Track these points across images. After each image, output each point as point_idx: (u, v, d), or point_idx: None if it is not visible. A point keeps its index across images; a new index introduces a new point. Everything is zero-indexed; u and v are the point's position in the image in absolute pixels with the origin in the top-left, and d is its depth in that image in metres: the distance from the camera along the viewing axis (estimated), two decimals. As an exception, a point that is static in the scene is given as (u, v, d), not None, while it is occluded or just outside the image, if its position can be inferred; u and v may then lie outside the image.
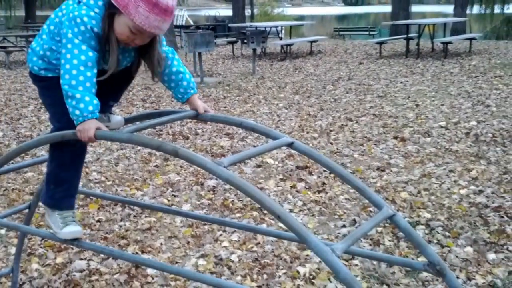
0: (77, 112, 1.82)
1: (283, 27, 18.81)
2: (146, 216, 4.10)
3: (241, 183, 1.54)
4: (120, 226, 3.96)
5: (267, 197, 1.55)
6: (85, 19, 1.80)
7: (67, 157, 2.08)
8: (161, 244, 3.67)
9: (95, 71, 1.85)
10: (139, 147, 5.72)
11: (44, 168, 5.22)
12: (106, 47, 1.89)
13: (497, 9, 23.25)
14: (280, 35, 18.56)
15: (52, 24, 1.95)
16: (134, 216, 4.12)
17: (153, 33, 1.86)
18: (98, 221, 4.05)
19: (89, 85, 1.82)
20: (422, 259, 3.18)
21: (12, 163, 2.71)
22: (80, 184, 4.99)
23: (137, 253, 3.53)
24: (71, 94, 1.81)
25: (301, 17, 41.73)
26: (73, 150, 2.07)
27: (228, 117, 2.06)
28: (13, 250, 3.55)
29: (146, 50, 1.97)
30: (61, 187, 2.11)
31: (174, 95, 2.14)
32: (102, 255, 3.47)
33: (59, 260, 3.46)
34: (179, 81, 2.09)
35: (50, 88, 2.01)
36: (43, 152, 5.59)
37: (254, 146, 5.88)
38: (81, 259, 3.46)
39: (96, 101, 1.84)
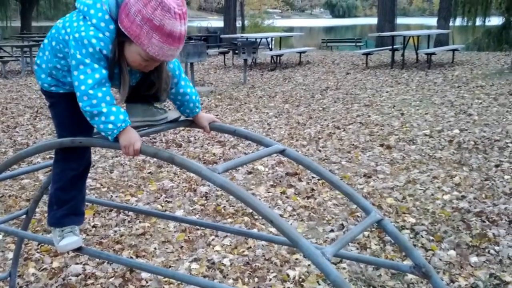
0: (110, 126, 1.76)
1: (273, 38, 18.88)
2: (140, 222, 4.10)
3: (235, 189, 1.56)
4: (115, 231, 3.95)
5: (260, 202, 1.57)
6: (93, 41, 1.73)
7: (68, 180, 2.04)
8: (155, 248, 3.67)
9: (108, 85, 1.80)
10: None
11: (40, 174, 5.21)
12: (114, 70, 1.83)
13: (478, 22, 23.46)
14: (270, 46, 18.63)
15: (54, 40, 1.88)
16: (129, 221, 4.12)
17: (166, 60, 1.82)
18: (94, 226, 4.04)
19: (109, 99, 1.78)
20: (407, 262, 3.21)
21: (9, 170, 2.70)
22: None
23: (131, 257, 3.53)
24: (96, 112, 1.76)
25: (290, 29, 41.90)
26: (74, 173, 2.04)
27: (222, 125, 2.08)
28: (9, 255, 3.54)
29: (154, 70, 1.91)
30: (62, 208, 2.08)
31: (180, 111, 2.09)
32: (97, 260, 3.46)
33: (55, 264, 3.45)
34: (185, 102, 2.04)
35: (60, 103, 1.98)
36: (39, 159, 5.57)
37: (245, 153, 5.90)
38: (77, 263, 3.46)
39: (123, 109, 1.81)
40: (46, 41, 1.95)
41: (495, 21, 23.47)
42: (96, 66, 1.75)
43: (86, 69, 1.75)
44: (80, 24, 1.76)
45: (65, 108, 1.93)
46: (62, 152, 2.03)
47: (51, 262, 3.48)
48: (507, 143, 6.08)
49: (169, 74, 1.95)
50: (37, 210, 4.15)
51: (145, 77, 1.95)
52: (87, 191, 4.85)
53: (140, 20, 1.69)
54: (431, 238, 3.72)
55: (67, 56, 1.82)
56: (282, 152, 1.91)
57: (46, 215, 4.20)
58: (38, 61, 1.98)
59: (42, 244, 3.68)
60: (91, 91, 1.75)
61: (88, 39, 1.73)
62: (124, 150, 1.77)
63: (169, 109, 2.14)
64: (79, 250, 2.11)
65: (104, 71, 1.76)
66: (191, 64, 10.66)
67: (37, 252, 3.63)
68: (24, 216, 2.81)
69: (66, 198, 2.06)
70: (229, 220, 4.13)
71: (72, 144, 1.94)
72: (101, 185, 4.99)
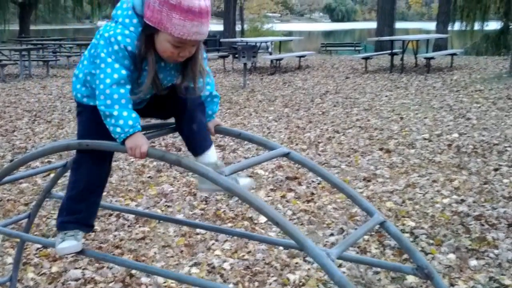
0: (118, 129, 1.78)
1: (272, 42, 18.95)
2: (140, 226, 4.10)
3: (242, 192, 1.57)
4: (115, 235, 3.96)
5: (266, 204, 1.58)
6: (119, 37, 1.76)
7: (80, 191, 2.03)
8: (155, 253, 3.67)
9: (128, 87, 1.80)
10: (132, 159, 5.72)
11: (38, 179, 5.21)
12: (142, 66, 1.83)
13: (477, 26, 23.58)
14: (269, 50, 18.69)
15: (92, 47, 1.90)
16: (129, 226, 4.12)
17: (195, 40, 1.77)
18: (93, 231, 4.03)
19: (124, 102, 1.78)
20: (407, 265, 3.22)
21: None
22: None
23: (131, 261, 3.53)
24: (108, 113, 1.78)
25: (289, 33, 41.98)
26: (88, 186, 2.03)
27: (227, 128, 2.10)
28: (8, 259, 3.54)
29: (187, 63, 1.89)
30: (70, 216, 2.07)
31: None
32: (97, 264, 3.47)
33: (54, 269, 3.45)
34: (211, 104, 2.07)
35: (87, 113, 1.97)
36: (37, 164, 5.57)
37: (245, 157, 5.91)
38: (76, 268, 3.46)
39: (134, 114, 1.80)
40: (86, 52, 1.96)
41: (493, 25, 23.58)
42: (116, 66, 1.76)
43: (106, 68, 1.77)
44: (112, 26, 1.82)
45: (91, 120, 1.91)
46: (80, 161, 2.02)
47: (50, 267, 3.48)
48: (505, 147, 6.10)
49: (205, 69, 1.94)
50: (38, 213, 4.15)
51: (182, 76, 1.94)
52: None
53: (158, 4, 1.70)
54: (431, 241, 3.73)
55: None
56: (286, 155, 1.93)
57: (44, 219, 4.23)
58: (76, 72, 1.99)
59: (41, 249, 3.69)
60: (108, 91, 1.77)
61: (114, 37, 1.76)
62: (130, 151, 1.78)
63: (239, 176, 2.09)
64: (81, 253, 2.10)
65: (124, 72, 1.77)
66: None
67: (36, 256, 3.64)
68: (24, 220, 2.81)
69: (76, 208, 2.05)
70: (229, 224, 4.14)
71: (79, 147, 1.95)
72: (101, 189, 4.99)
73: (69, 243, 2.04)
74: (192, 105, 1.99)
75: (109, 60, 1.76)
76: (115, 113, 1.77)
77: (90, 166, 2.01)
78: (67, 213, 2.06)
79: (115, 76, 1.76)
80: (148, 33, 1.77)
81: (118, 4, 1.84)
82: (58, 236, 2.09)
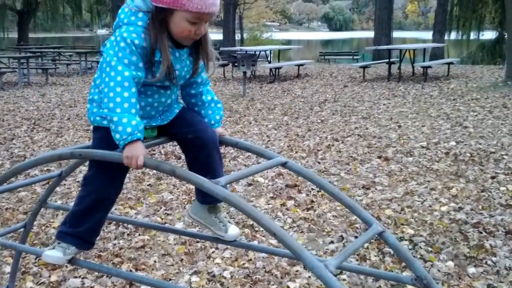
0: (117, 136, 1.73)
1: (271, 51, 18.96)
2: (139, 234, 4.08)
3: (238, 201, 1.56)
4: (114, 244, 3.93)
5: (263, 215, 1.57)
6: (125, 34, 1.74)
7: (86, 207, 1.98)
8: (155, 261, 3.65)
9: (133, 90, 1.75)
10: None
11: (37, 187, 5.19)
12: (154, 58, 1.79)
13: (473, 36, 23.72)
14: (269, 59, 18.71)
15: (101, 62, 1.85)
16: (128, 234, 4.10)
17: (212, 12, 1.76)
18: (93, 239, 4.01)
19: (127, 106, 1.72)
20: (406, 273, 3.21)
21: (6, 182, 2.70)
22: (73, 203, 4.94)
23: (131, 270, 3.51)
24: (109, 117, 1.73)
25: (288, 42, 42.16)
26: (94, 204, 1.96)
27: (225, 138, 2.09)
28: (7, 269, 3.51)
29: (199, 45, 1.89)
30: (72, 229, 2.02)
31: (207, 120, 2.07)
32: (96, 273, 3.44)
33: (53, 278, 3.42)
34: (216, 110, 2.08)
35: (104, 132, 1.88)
36: (36, 172, 5.56)
37: (245, 165, 5.90)
38: (76, 277, 3.43)
39: (135, 121, 1.73)
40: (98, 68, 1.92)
41: (489, 35, 23.72)
42: (120, 68, 1.73)
43: (110, 71, 1.74)
44: (117, 31, 1.81)
45: (107, 136, 1.82)
46: (90, 178, 1.97)
47: (49, 276, 3.45)
48: (502, 155, 6.11)
49: (214, 50, 1.95)
50: (34, 223, 4.13)
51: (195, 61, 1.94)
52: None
53: None
54: (430, 249, 3.72)
55: None
56: (284, 164, 1.92)
57: (44, 228, 4.20)
58: (90, 96, 1.94)
59: (40, 258, 3.65)
60: (111, 94, 1.73)
61: (120, 35, 1.75)
62: (126, 160, 1.73)
63: (230, 223, 2.14)
64: (76, 264, 2.11)
65: (127, 73, 1.74)
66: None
67: (35, 266, 3.61)
68: (22, 230, 2.79)
69: (78, 223, 2.00)
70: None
71: (71, 157, 1.93)
72: (100, 197, 4.97)
73: (55, 253, 2.01)
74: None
75: (113, 62, 1.74)
76: (115, 118, 1.72)
77: (99, 184, 1.94)
78: (69, 226, 2.03)
79: (118, 78, 1.72)
80: (160, 18, 1.74)
81: (119, 11, 1.84)
82: (53, 243, 2.08)
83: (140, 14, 1.77)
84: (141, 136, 1.75)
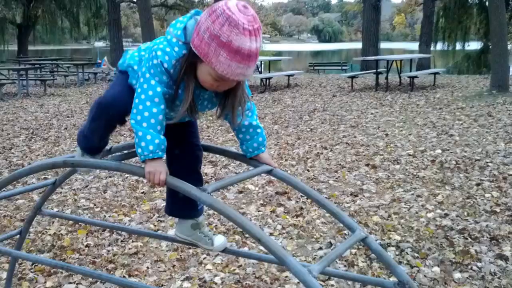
0: (139, 150, 1.72)
1: (262, 62, 19.00)
2: (133, 241, 4.06)
3: (224, 208, 1.56)
4: (108, 250, 3.91)
5: (248, 221, 1.57)
6: (159, 53, 1.70)
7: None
8: (148, 267, 3.63)
9: (162, 107, 1.71)
10: (127, 175, 5.68)
11: (34, 195, 5.15)
12: (179, 87, 1.75)
13: (458, 46, 23.92)
14: (259, 69, 18.74)
15: (146, 52, 1.83)
16: (122, 241, 4.08)
17: (237, 80, 1.71)
18: (87, 246, 3.99)
19: (153, 122, 1.70)
20: (393, 278, 3.20)
21: (4, 190, 2.68)
22: (69, 210, 4.94)
23: (124, 276, 3.49)
24: (135, 130, 1.71)
25: (279, 53, 42.27)
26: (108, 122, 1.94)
27: (212, 146, 2.09)
28: (3, 274, 3.48)
29: (228, 92, 1.80)
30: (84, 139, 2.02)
31: (244, 147, 1.99)
32: (90, 279, 3.42)
33: (49, 284, 3.40)
34: (255, 136, 1.95)
35: (124, 76, 1.91)
36: (33, 180, 5.53)
37: (236, 173, 5.89)
38: (70, 282, 3.41)
39: (158, 140, 1.70)
40: (147, 46, 1.90)
41: (474, 45, 23.90)
42: (152, 82, 1.70)
43: (143, 83, 1.71)
44: (161, 40, 1.76)
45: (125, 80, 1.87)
46: (94, 119, 1.96)
47: (45, 282, 3.43)
48: (487, 162, 6.14)
49: (244, 101, 1.85)
50: (31, 230, 4.10)
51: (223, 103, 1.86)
52: (80, 211, 4.82)
53: (208, 37, 1.60)
54: (416, 255, 3.72)
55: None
56: (269, 172, 1.92)
57: (40, 235, 4.17)
58: (130, 60, 1.92)
59: (36, 264, 3.63)
60: (140, 106, 1.70)
61: (155, 51, 1.71)
62: (148, 176, 1.71)
63: (215, 234, 2.14)
64: (70, 270, 2.08)
65: (159, 89, 1.70)
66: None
67: (31, 271, 3.58)
68: (18, 236, 2.77)
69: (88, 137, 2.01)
70: (220, 238, 4.10)
71: (64, 165, 1.93)
72: (95, 205, 4.95)
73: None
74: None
75: (147, 75, 1.71)
76: (140, 133, 1.70)
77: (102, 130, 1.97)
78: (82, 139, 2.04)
79: (150, 93, 1.69)
80: (191, 60, 1.69)
81: (174, 21, 1.77)
82: (80, 152, 2.06)
83: (181, 42, 1.70)
84: (162, 154, 1.73)
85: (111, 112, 1.87)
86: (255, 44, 1.60)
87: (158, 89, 1.70)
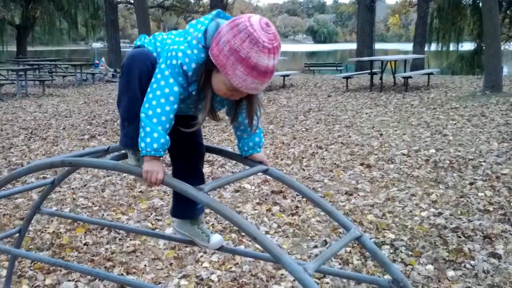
0: (142, 144, 1.70)
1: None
2: (131, 239, 4.05)
3: (220, 207, 1.56)
4: (106, 249, 3.91)
5: (244, 219, 1.57)
6: (180, 54, 1.68)
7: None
8: (145, 265, 3.63)
9: (175, 106, 1.71)
10: (125, 174, 5.68)
11: (33, 194, 5.14)
12: (200, 96, 1.76)
13: (452, 47, 23.96)
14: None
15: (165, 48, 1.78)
16: (120, 239, 4.07)
17: (249, 93, 1.72)
18: (85, 244, 3.99)
19: (164, 120, 1.69)
20: (387, 276, 3.21)
21: (3, 189, 2.68)
22: (68, 209, 4.92)
23: (122, 274, 3.48)
24: (143, 124, 1.69)
25: (275, 54, 42.08)
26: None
27: (209, 146, 2.09)
28: (3, 272, 3.47)
29: (241, 99, 1.83)
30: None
31: (240, 145, 2.00)
32: (89, 276, 3.41)
33: (48, 281, 3.39)
34: (252, 135, 1.96)
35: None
36: (32, 179, 5.51)
37: (232, 172, 5.90)
38: (69, 280, 3.40)
39: (163, 139, 1.70)
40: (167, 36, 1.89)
41: (468, 46, 23.97)
42: (171, 80, 1.69)
43: (160, 80, 1.69)
44: (180, 40, 1.75)
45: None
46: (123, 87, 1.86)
47: (44, 279, 3.42)
48: (480, 162, 6.16)
49: (259, 106, 1.86)
50: (30, 228, 4.10)
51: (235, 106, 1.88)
52: (78, 209, 4.80)
53: (227, 50, 1.61)
54: (410, 253, 3.73)
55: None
56: (265, 171, 1.92)
57: (39, 234, 4.16)
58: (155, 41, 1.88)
59: (35, 262, 3.62)
60: (154, 102, 1.69)
61: (176, 51, 1.70)
62: (145, 175, 1.71)
63: (212, 233, 2.15)
64: (69, 268, 2.07)
65: (176, 89, 1.70)
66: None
67: (30, 269, 3.57)
68: (17, 235, 2.77)
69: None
70: (217, 237, 4.10)
71: (62, 165, 1.93)
72: (93, 203, 4.94)
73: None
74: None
75: (166, 72, 1.69)
76: (148, 128, 1.68)
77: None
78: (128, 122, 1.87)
79: (167, 90, 1.68)
80: (209, 68, 1.69)
81: (194, 21, 1.76)
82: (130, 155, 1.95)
83: (201, 45, 1.69)
84: (163, 154, 1.73)
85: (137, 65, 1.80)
86: (272, 62, 1.62)
87: (175, 88, 1.69)
